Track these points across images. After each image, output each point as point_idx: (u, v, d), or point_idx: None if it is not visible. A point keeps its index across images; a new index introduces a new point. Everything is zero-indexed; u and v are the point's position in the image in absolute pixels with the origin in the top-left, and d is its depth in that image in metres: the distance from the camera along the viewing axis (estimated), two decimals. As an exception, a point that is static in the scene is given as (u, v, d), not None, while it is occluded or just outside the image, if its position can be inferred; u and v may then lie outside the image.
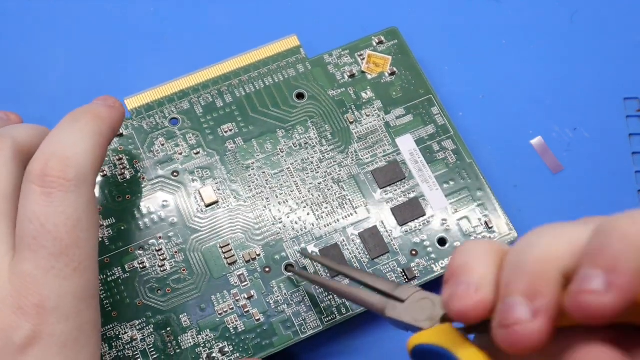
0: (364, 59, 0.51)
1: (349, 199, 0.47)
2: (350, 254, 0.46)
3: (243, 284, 0.45)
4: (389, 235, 0.46)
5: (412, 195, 0.47)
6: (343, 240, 0.46)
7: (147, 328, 0.44)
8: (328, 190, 0.47)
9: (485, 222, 0.47)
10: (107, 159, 0.47)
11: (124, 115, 0.43)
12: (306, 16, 0.56)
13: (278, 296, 0.45)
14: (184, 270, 0.45)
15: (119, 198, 0.46)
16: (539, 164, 0.53)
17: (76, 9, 0.56)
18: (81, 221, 0.37)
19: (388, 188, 0.47)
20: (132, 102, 0.49)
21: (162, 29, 0.56)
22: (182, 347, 0.44)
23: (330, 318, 0.45)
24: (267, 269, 0.45)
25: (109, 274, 0.45)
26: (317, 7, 0.57)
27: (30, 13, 0.56)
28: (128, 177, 0.47)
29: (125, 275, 0.45)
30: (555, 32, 0.57)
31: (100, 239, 0.45)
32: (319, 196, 0.47)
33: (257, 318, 0.44)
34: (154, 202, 0.47)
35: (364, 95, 0.50)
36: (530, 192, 0.52)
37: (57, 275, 0.36)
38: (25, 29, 0.55)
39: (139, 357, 0.43)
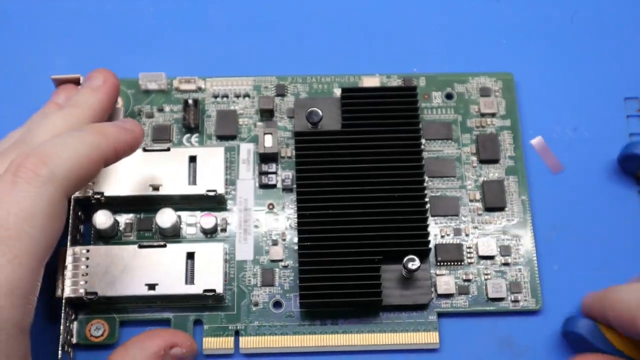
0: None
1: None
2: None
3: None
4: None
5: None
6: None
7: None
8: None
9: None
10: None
11: (138, 141, 0.45)
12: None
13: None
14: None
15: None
16: (539, 164, 0.55)
17: (76, 9, 0.59)
18: (35, 217, 0.38)
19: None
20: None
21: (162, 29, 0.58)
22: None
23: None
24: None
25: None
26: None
27: (28, 13, 0.58)
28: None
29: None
30: (555, 32, 0.58)
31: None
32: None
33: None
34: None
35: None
36: (530, 193, 0.53)
37: None
38: (24, 28, 0.58)
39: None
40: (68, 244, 0.49)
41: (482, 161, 0.54)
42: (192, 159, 0.51)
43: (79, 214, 0.51)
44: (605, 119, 0.56)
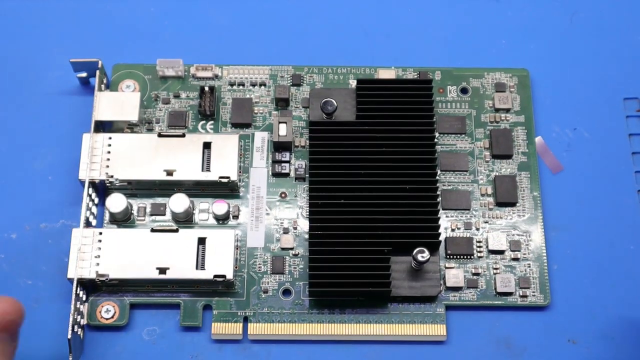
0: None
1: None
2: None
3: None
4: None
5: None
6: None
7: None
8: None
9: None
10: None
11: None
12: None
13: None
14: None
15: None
16: (539, 164, 0.54)
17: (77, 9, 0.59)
18: None
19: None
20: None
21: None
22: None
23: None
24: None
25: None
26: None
27: (28, 13, 0.58)
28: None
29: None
30: (555, 32, 0.58)
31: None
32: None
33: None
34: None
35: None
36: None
37: None
38: (23, 28, 0.58)
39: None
40: (81, 225, 0.49)
41: (494, 156, 0.54)
42: (207, 146, 0.52)
43: (93, 196, 0.51)
44: (605, 119, 0.56)
